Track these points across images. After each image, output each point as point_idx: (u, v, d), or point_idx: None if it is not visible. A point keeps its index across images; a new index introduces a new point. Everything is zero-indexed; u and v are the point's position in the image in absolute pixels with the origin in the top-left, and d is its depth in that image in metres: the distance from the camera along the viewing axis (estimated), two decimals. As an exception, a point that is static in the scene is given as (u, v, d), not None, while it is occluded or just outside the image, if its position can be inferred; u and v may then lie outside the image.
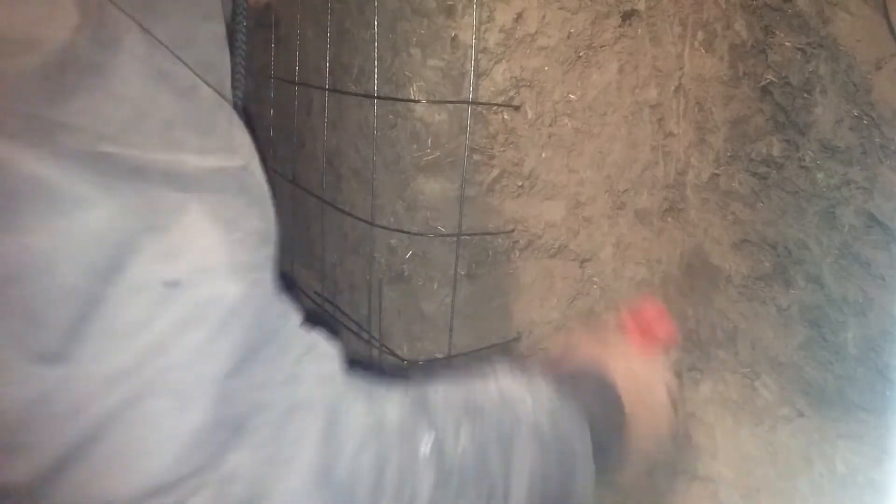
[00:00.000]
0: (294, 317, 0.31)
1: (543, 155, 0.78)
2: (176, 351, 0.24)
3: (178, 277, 0.25)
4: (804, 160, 0.73)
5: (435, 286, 0.78)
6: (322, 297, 0.93)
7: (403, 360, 0.79)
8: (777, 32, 0.73)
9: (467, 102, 0.73)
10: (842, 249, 0.70)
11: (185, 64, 0.28)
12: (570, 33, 0.75)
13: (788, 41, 0.72)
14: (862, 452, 0.72)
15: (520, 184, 0.78)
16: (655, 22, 0.80)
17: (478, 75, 0.73)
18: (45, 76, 0.24)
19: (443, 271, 0.77)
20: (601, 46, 0.78)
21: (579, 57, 0.77)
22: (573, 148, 0.79)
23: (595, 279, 0.85)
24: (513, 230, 0.78)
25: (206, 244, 0.27)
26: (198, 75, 0.29)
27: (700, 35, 0.81)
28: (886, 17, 0.63)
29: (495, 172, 0.77)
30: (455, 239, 0.76)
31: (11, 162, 0.23)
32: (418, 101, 0.74)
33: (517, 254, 0.80)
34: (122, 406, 0.23)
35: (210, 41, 0.31)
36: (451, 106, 0.74)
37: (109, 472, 0.23)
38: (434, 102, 0.73)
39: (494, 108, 0.75)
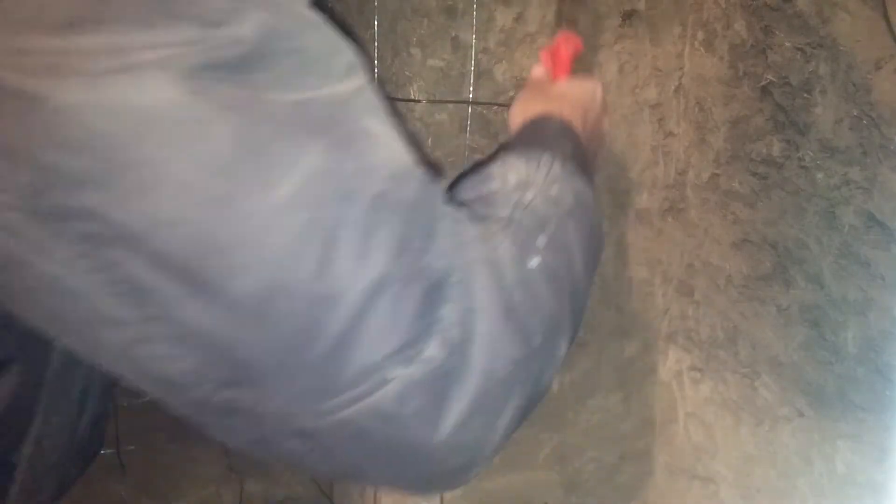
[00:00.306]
0: (445, 196, 0.38)
1: (543, 155, 0.78)
2: (392, 249, 0.32)
3: (381, 189, 0.32)
4: (804, 160, 0.73)
5: (435, 286, 0.78)
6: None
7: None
8: (777, 32, 0.73)
9: (467, 102, 0.73)
10: (842, 249, 0.70)
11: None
12: (570, 33, 0.75)
13: (788, 41, 0.73)
14: (862, 452, 0.72)
15: (520, 184, 0.78)
16: (655, 22, 0.80)
17: (478, 75, 0.73)
18: (255, 58, 0.29)
19: (443, 271, 0.77)
20: (601, 46, 0.78)
21: (579, 57, 0.77)
22: (573, 148, 0.79)
23: (595, 279, 0.85)
24: (513, 230, 0.78)
25: (387, 155, 0.33)
26: None
27: (700, 35, 0.81)
28: (886, 17, 0.64)
29: (495, 172, 0.77)
30: (455, 239, 0.76)
31: (254, 133, 0.29)
32: (418, 101, 0.74)
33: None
34: (367, 300, 0.31)
35: None
36: (451, 106, 0.74)
37: (373, 347, 0.31)
38: (434, 102, 0.73)
39: (494, 107, 0.75)
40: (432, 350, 0.33)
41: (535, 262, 0.41)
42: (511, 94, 0.75)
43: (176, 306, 0.29)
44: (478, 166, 0.50)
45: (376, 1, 0.74)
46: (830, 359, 0.73)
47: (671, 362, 0.91)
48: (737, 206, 0.80)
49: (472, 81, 0.73)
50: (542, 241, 0.43)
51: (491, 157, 0.52)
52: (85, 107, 0.27)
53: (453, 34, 0.72)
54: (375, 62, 0.76)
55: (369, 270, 0.31)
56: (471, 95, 0.73)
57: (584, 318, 0.86)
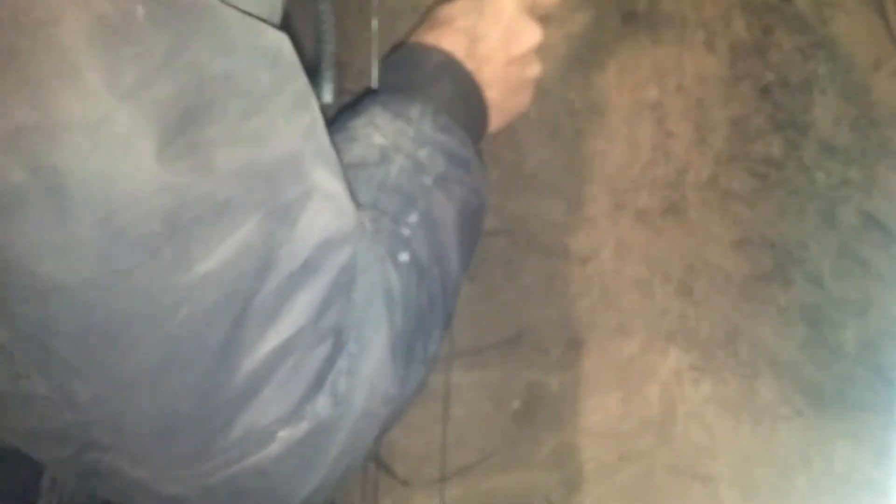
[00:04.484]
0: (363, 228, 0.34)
1: (543, 155, 0.78)
2: (309, 314, 0.30)
3: (308, 257, 0.29)
4: (804, 160, 0.73)
5: (435, 286, 0.78)
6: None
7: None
8: (777, 32, 0.73)
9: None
10: (841, 249, 0.71)
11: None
12: (570, 33, 0.76)
13: (788, 41, 0.73)
14: (860, 451, 0.72)
15: (520, 184, 0.78)
16: (655, 22, 0.80)
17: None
18: (200, 109, 0.27)
19: (443, 271, 0.77)
20: (601, 46, 0.78)
21: (579, 57, 0.77)
22: (573, 148, 0.79)
23: (595, 279, 0.85)
24: (513, 230, 0.79)
25: (323, 220, 0.30)
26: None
27: (700, 35, 0.81)
28: (884, 18, 0.64)
29: (495, 172, 0.77)
30: (455, 239, 0.76)
31: (187, 212, 0.26)
32: (418, 101, 0.74)
33: (517, 254, 0.80)
34: (268, 368, 0.28)
35: None
36: (451, 106, 0.74)
37: (264, 411, 0.29)
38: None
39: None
40: (320, 406, 0.31)
41: (404, 257, 0.37)
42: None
43: (55, 373, 0.26)
44: (346, 113, 0.45)
45: (376, 0, 0.74)
46: (829, 358, 0.73)
47: (671, 362, 0.91)
48: (737, 206, 0.81)
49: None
50: (407, 230, 0.38)
51: (360, 99, 0.46)
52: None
53: (453, 34, 0.72)
54: (375, 61, 0.76)
55: (276, 337, 0.28)
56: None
57: (584, 318, 0.86)
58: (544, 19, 0.54)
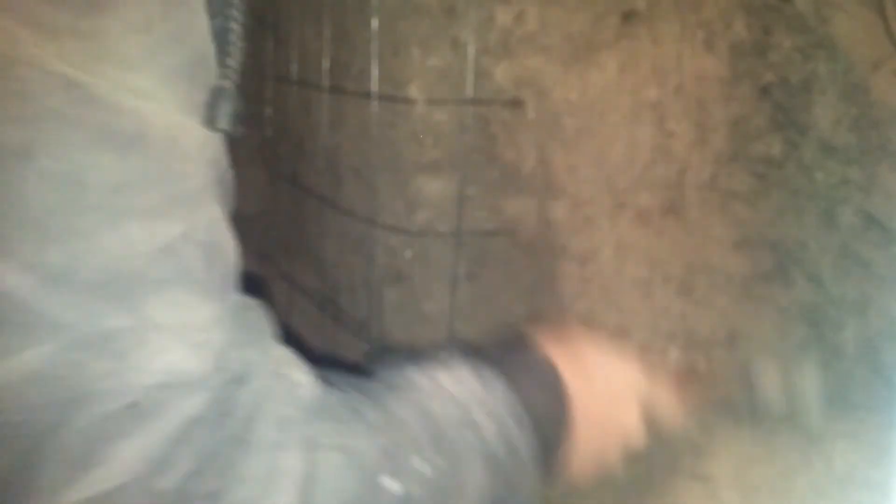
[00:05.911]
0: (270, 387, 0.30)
1: (543, 155, 0.78)
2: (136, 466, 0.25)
3: (135, 400, 0.24)
4: (804, 160, 0.73)
5: (435, 286, 0.78)
6: (322, 296, 0.94)
7: (404, 359, 0.79)
8: (776, 32, 0.73)
9: (467, 102, 0.73)
10: (841, 249, 0.71)
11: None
12: (570, 33, 0.76)
13: (788, 41, 0.73)
14: (860, 451, 0.72)
15: (520, 184, 0.78)
16: (655, 22, 0.80)
17: (478, 75, 0.73)
18: None
19: (443, 271, 0.77)
20: (601, 46, 0.78)
21: (579, 57, 0.77)
22: (573, 148, 0.79)
23: (595, 279, 0.85)
24: (513, 230, 0.79)
25: (165, 362, 0.25)
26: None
27: (700, 35, 0.81)
28: (884, 18, 0.64)
29: (495, 172, 0.77)
30: (455, 239, 0.76)
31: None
32: (418, 101, 0.74)
33: (517, 254, 0.80)
34: None
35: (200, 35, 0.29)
36: (450, 106, 0.74)
37: None
38: (434, 102, 0.74)
39: (494, 107, 0.75)
40: None
41: (388, 483, 0.33)
42: (511, 93, 0.75)
43: None
44: (428, 357, 0.43)
45: (376, 0, 0.74)
46: (829, 358, 0.73)
47: (671, 362, 0.91)
48: (737, 206, 0.80)
49: (471, 81, 0.73)
50: (416, 462, 0.35)
51: (471, 349, 0.46)
52: None
53: (453, 34, 0.72)
54: (375, 61, 0.76)
55: (90, 487, 0.24)
56: (471, 95, 0.73)
57: (584, 318, 0.85)
58: (650, 409, 0.57)
